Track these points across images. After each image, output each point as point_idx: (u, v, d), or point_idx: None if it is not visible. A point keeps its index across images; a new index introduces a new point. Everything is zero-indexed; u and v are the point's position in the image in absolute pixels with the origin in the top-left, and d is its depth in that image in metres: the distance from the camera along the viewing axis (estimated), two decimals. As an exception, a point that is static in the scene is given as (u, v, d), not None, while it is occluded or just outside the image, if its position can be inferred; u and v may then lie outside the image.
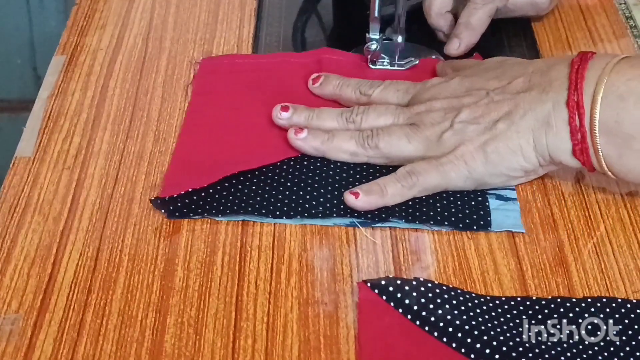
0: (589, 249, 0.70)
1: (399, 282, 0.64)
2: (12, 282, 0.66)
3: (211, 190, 0.72)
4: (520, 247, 0.70)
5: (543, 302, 0.65)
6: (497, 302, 0.65)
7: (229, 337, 0.62)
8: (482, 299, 0.65)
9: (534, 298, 0.65)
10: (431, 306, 0.63)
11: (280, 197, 0.72)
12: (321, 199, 0.72)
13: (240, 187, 0.73)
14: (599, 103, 0.68)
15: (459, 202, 0.72)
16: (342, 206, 0.71)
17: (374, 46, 0.84)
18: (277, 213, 0.71)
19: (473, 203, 0.72)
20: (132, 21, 0.93)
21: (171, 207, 0.70)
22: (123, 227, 0.70)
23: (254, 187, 0.73)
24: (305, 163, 0.75)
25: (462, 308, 0.63)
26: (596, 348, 0.62)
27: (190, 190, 0.71)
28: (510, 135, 0.70)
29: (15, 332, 0.62)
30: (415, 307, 0.63)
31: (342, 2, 0.96)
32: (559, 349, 0.62)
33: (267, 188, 0.73)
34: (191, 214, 0.70)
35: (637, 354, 0.61)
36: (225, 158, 0.75)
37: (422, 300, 0.63)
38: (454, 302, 0.64)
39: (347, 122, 0.76)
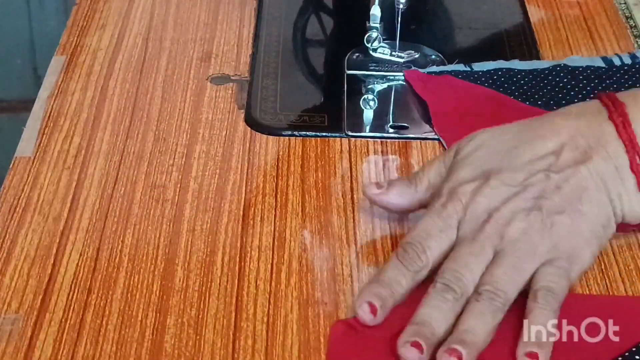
0: (589, 249, 0.70)
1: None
2: (12, 282, 0.66)
3: None
4: (520, 247, 0.70)
5: (543, 302, 0.64)
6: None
7: (229, 337, 0.62)
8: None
9: (534, 298, 0.65)
10: None
11: None
12: None
13: None
14: None
15: None
16: None
17: (374, 35, 0.84)
18: None
19: None
20: (132, 21, 0.93)
21: None
22: (123, 227, 0.70)
23: None
24: None
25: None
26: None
27: None
28: (599, 212, 0.66)
29: (15, 332, 0.62)
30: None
31: (342, 2, 0.97)
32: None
33: None
34: None
35: (637, 355, 0.61)
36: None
37: None
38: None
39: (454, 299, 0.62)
